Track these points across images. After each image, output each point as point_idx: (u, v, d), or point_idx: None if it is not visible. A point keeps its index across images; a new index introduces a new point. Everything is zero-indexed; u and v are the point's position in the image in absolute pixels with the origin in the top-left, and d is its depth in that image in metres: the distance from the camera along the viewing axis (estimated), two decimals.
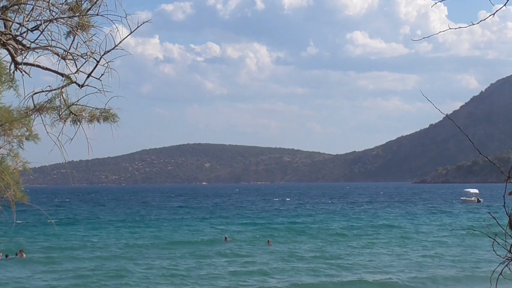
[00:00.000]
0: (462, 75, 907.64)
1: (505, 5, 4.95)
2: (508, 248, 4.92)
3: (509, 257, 4.87)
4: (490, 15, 5.22)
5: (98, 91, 6.44)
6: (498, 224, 5.18)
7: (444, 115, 5.52)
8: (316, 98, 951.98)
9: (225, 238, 51.06)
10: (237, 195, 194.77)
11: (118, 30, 6.19)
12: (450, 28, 5.39)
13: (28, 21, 6.20)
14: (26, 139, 6.74)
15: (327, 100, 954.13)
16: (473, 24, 5.39)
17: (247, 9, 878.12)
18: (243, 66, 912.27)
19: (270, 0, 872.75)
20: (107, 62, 6.33)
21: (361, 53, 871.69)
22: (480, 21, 5.45)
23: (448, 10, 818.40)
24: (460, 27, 5.55)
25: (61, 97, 6.58)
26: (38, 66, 6.43)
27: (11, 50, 6.33)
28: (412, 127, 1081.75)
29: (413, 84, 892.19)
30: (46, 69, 6.46)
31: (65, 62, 6.40)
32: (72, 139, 6.70)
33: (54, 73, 6.46)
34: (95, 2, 6.28)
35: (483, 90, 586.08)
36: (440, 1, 5.23)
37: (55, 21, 6.22)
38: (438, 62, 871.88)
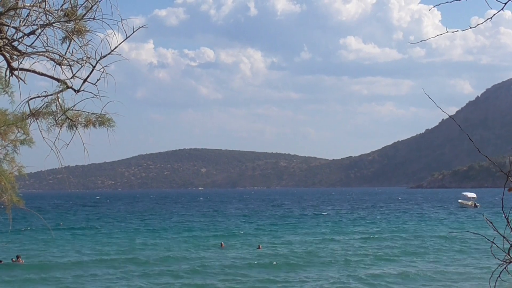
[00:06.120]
0: (456, 80, 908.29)
1: (502, 9, 4.96)
2: (507, 251, 4.93)
3: (507, 259, 4.88)
4: (487, 19, 5.23)
5: (94, 96, 6.44)
6: (495, 229, 5.18)
7: (444, 117, 5.54)
8: (310, 103, 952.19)
9: (221, 244, 51.00)
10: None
11: (115, 34, 6.19)
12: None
13: (24, 25, 6.18)
14: (21, 143, 6.73)
15: (321, 105, 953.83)
16: (477, 25, 5.40)
17: (240, 15, 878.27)
18: (237, 71, 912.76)
19: (263, 5, 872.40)
20: (103, 67, 6.33)
21: (354, 58, 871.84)
22: (486, 19, 5.45)
23: (442, 16, 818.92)
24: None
25: (57, 102, 6.57)
26: (34, 71, 6.41)
27: (7, 56, 6.32)
28: (407, 132, 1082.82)
29: (407, 89, 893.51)
30: (42, 74, 6.45)
31: (61, 67, 6.39)
32: (68, 144, 6.69)
33: (50, 79, 6.45)
34: (91, 8, 6.27)
35: (479, 95, 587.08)
36: (439, 4, 5.25)
37: (51, 25, 6.21)
38: (431, 67, 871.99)
